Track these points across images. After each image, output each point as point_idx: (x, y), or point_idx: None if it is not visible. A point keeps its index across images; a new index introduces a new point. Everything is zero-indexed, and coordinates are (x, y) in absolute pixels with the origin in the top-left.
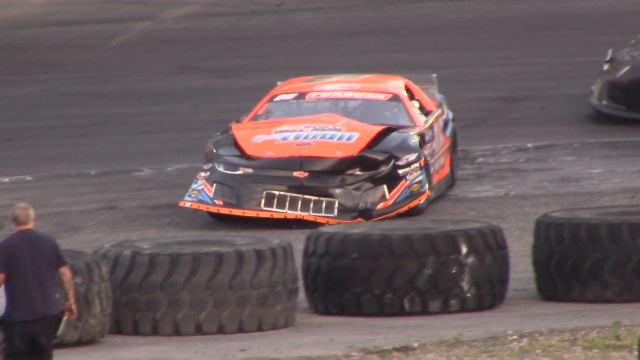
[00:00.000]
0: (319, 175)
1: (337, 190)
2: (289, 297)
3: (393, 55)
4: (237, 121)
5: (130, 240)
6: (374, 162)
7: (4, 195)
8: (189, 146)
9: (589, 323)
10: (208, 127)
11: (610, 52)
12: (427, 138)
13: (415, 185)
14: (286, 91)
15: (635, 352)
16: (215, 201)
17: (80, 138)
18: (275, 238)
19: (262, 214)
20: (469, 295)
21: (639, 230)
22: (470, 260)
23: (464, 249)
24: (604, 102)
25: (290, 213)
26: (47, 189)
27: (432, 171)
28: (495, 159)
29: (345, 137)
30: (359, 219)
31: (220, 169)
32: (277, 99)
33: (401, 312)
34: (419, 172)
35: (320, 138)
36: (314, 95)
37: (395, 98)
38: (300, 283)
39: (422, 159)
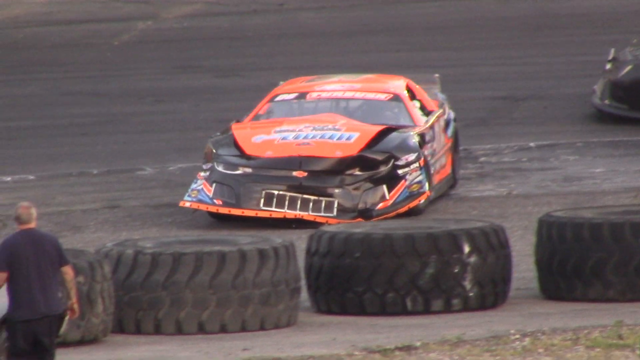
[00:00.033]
0: (318, 175)
1: (337, 190)
2: (292, 296)
3: (395, 55)
4: (238, 121)
5: (133, 240)
6: (374, 162)
7: (6, 195)
8: (191, 145)
9: (591, 322)
10: (210, 126)
11: (612, 51)
12: (427, 138)
13: (415, 186)
14: (287, 91)
15: (638, 352)
16: (215, 201)
17: (82, 137)
18: (277, 237)
19: (261, 214)
20: (471, 294)
21: None
22: (472, 259)
23: (467, 248)
24: (607, 102)
25: (289, 213)
26: (49, 188)
27: (432, 171)
28: (497, 158)
29: (344, 137)
30: (359, 219)
31: (220, 168)
32: (277, 98)
33: (403, 312)
34: (418, 172)
35: (320, 138)
36: (314, 95)
37: (396, 98)
38: (303, 282)
39: (422, 159)
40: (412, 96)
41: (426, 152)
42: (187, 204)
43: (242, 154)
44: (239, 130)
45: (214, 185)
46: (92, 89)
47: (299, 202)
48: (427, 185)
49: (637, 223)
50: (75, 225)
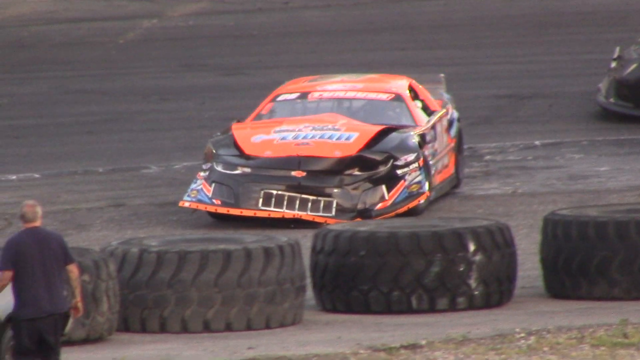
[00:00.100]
0: (317, 175)
1: (335, 190)
2: (297, 295)
3: (400, 53)
4: (239, 120)
5: (138, 238)
6: (373, 162)
7: (12, 193)
8: (196, 144)
9: (596, 321)
10: (215, 125)
11: (617, 49)
12: (428, 138)
13: (414, 186)
14: (289, 91)
15: None
16: (214, 201)
17: (87, 135)
18: (283, 236)
19: (259, 214)
20: (476, 292)
21: None
22: (477, 257)
23: (472, 247)
24: (612, 100)
25: (288, 212)
26: (54, 186)
27: (433, 171)
28: (502, 156)
29: (344, 137)
30: (358, 220)
31: (219, 168)
32: (279, 98)
33: (409, 310)
34: (418, 173)
35: (319, 138)
36: (316, 95)
37: (398, 98)
38: (308, 281)
39: (421, 159)
40: (415, 96)
41: (427, 152)
42: (187, 204)
43: (242, 154)
44: (238, 130)
45: (213, 185)
46: (97, 87)
47: (297, 202)
48: (426, 185)
49: None
50: (80, 223)
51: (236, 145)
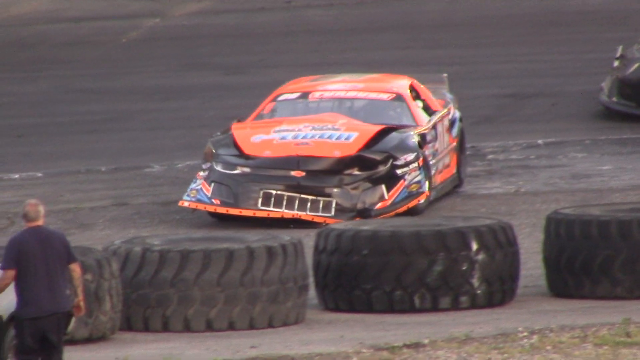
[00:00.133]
0: (316, 174)
1: (335, 190)
2: (300, 294)
3: (403, 52)
4: (239, 120)
5: (141, 237)
6: (372, 162)
7: (14, 192)
8: (199, 143)
9: (599, 320)
10: (217, 124)
11: (620, 48)
12: (428, 138)
13: (414, 186)
14: (290, 90)
15: None
16: (213, 201)
17: (90, 134)
18: (285, 235)
19: (259, 214)
20: (479, 291)
21: None
22: (480, 256)
23: (475, 246)
24: (614, 99)
25: (287, 212)
26: (57, 185)
27: (434, 171)
28: (505, 155)
29: (343, 136)
30: (358, 219)
31: (219, 168)
32: (280, 98)
33: (411, 309)
34: (417, 172)
35: (319, 137)
36: (317, 94)
37: (399, 98)
38: (311, 280)
39: (421, 158)
40: (417, 96)
41: (427, 152)
42: (186, 204)
43: (241, 154)
44: (238, 130)
45: (212, 185)
46: (100, 86)
47: (296, 202)
48: (426, 185)
49: None
50: (83, 222)
51: (236, 145)
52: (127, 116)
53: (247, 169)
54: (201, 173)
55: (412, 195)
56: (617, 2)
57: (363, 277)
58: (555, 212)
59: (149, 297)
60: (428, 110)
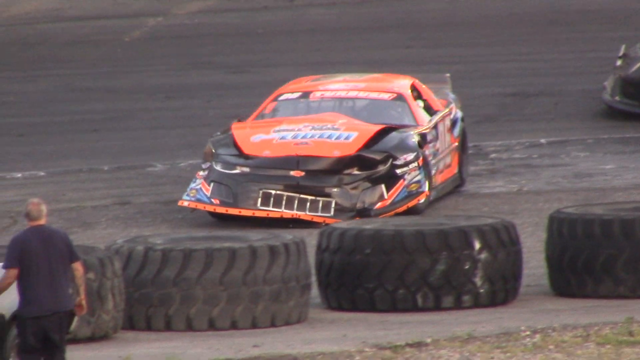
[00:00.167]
0: (316, 174)
1: (334, 190)
2: (302, 293)
3: (405, 51)
4: (240, 120)
5: (143, 236)
6: (372, 162)
7: (17, 191)
8: (201, 142)
9: (602, 319)
10: (220, 123)
11: (623, 47)
12: (429, 138)
13: (413, 185)
14: (291, 90)
15: None
16: (212, 200)
17: (92, 134)
18: (288, 234)
19: (258, 213)
20: (482, 291)
21: None
22: (483, 256)
23: (477, 245)
24: (617, 98)
25: (286, 212)
26: (59, 184)
27: (434, 171)
28: (508, 154)
29: (343, 136)
30: (357, 219)
31: (218, 168)
32: (281, 98)
33: (414, 308)
34: (417, 172)
35: (318, 137)
36: (318, 94)
37: (400, 97)
38: (313, 279)
39: (421, 158)
40: (418, 96)
41: (427, 152)
42: (185, 203)
43: (241, 154)
44: (238, 130)
45: (212, 184)
46: (103, 85)
47: (296, 201)
48: (426, 184)
49: None
50: (85, 221)
51: (235, 145)
52: (130, 115)
53: (246, 169)
54: (201, 173)
55: (411, 195)
56: (619, 1)
57: (366, 276)
58: (558, 211)
59: (152, 296)
60: (429, 110)
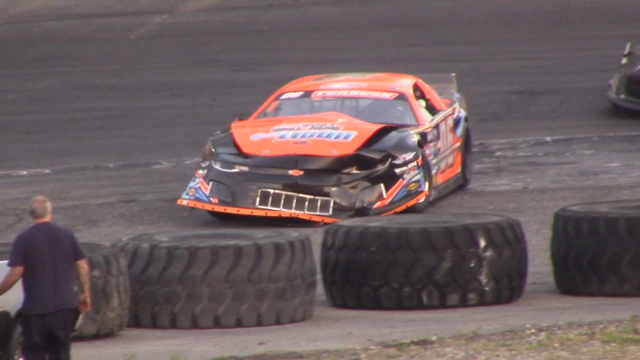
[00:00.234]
0: (314, 173)
1: (333, 189)
2: (307, 291)
3: (410, 49)
4: (240, 119)
5: (149, 233)
6: (371, 161)
7: (22, 188)
8: (207, 139)
9: (607, 317)
10: (225, 121)
11: (628, 45)
12: (429, 137)
13: (412, 185)
14: (293, 89)
15: None
16: (211, 199)
17: (98, 131)
18: (293, 231)
19: (256, 212)
20: (487, 289)
21: None
22: (488, 254)
23: (483, 243)
24: (622, 96)
25: (284, 211)
26: (65, 182)
27: (435, 170)
28: (513, 152)
29: (342, 135)
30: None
31: (217, 167)
32: (283, 97)
33: (419, 306)
34: (416, 171)
35: (317, 136)
36: (319, 93)
37: (401, 97)
38: (319, 276)
39: (420, 157)
40: (421, 95)
41: (427, 152)
42: (184, 202)
43: (240, 153)
44: (237, 129)
45: (210, 183)
46: (108, 83)
47: (294, 201)
48: (426, 184)
49: None
50: (91, 219)
51: (235, 144)
52: (135, 113)
53: (245, 168)
54: (200, 171)
55: (410, 195)
56: None
57: (371, 273)
58: (563, 209)
59: (157, 293)
60: (432, 109)
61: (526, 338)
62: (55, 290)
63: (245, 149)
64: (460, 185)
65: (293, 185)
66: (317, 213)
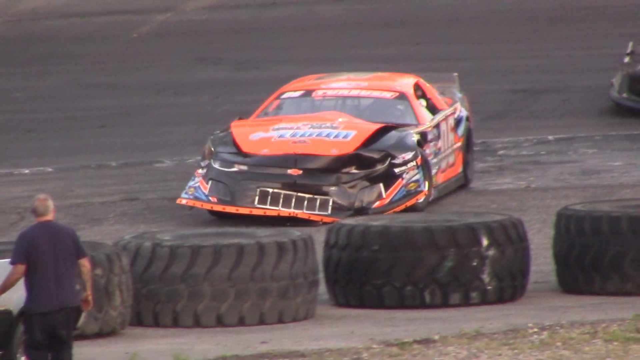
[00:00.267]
0: (313, 173)
1: (332, 188)
2: (310, 289)
3: (413, 48)
4: (241, 118)
5: (151, 232)
6: (370, 161)
7: (25, 187)
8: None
9: (609, 316)
10: (228, 119)
11: (630, 44)
12: (429, 137)
13: (412, 184)
14: (294, 89)
15: None
16: (210, 198)
17: (101, 129)
18: (296, 230)
19: (255, 212)
20: (489, 287)
21: None
22: (491, 252)
23: (485, 242)
24: (625, 95)
25: (283, 211)
26: (67, 180)
27: (436, 170)
28: (516, 151)
29: (341, 135)
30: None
31: (216, 166)
32: (284, 96)
33: (422, 305)
34: (415, 171)
35: (317, 136)
36: (320, 93)
37: (402, 96)
38: (321, 275)
39: (419, 157)
40: (422, 95)
41: (427, 151)
42: (184, 201)
43: (239, 152)
44: (237, 128)
45: (210, 182)
46: (111, 81)
47: (293, 200)
48: (425, 184)
49: None
50: (93, 217)
51: (234, 143)
52: (138, 111)
53: (244, 167)
54: (199, 171)
55: (410, 194)
56: None
57: (373, 272)
58: (566, 208)
59: (159, 292)
60: (433, 109)
61: (529, 337)
62: (58, 288)
63: (245, 148)
64: (461, 184)
65: (292, 185)
66: (316, 212)
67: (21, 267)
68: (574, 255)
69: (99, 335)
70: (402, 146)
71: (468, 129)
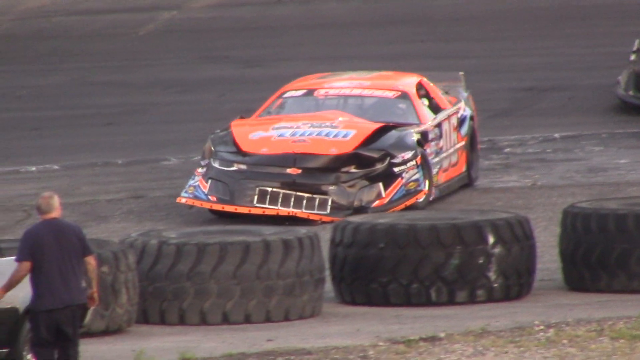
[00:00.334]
0: (312, 172)
1: (331, 188)
2: (316, 287)
3: (419, 46)
4: (242, 117)
5: (157, 230)
6: (369, 160)
7: (31, 184)
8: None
9: (616, 313)
10: (234, 117)
11: (637, 42)
12: (431, 136)
13: (411, 184)
14: (296, 88)
15: None
16: (210, 197)
17: (107, 127)
18: (302, 228)
19: (254, 211)
20: (495, 285)
21: None
22: (497, 250)
23: (491, 239)
24: (631, 93)
25: (282, 210)
26: (74, 178)
27: (437, 169)
28: (522, 149)
29: (341, 134)
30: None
31: (216, 165)
32: (286, 95)
33: (428, 302)
34: (415, 170)
35: (316, 135)
36: (322, 92)
37: (404, 96)
38: (327, 273)
39: (419, 156)
40: (425, 94)
41: (428, 150)
42: (183, 200)
43: (239, 151)
44: (237, 127)
45: (209, 181)
46: (117, 79)
47: (292, 199)
48: (425, 183)
49: None
50: (99, 215)
51: (234, 142)
52: (144, 109)
53: (243, 166)
54: (199, 170)
55: (409, 194)
56: None
57: (380, 270)
58: (572, 205)
59: (166, 290)
60: (436, 108)
61: (535, 335)
62: (63, 286)
63: (244, 147)
64: (465, 184)
65: (291, 184)
66: (315, 212)
67: (26, 265)
68: (580, 252)
69: (105, 332)
70: (402, 145)
71: (472, 128)
